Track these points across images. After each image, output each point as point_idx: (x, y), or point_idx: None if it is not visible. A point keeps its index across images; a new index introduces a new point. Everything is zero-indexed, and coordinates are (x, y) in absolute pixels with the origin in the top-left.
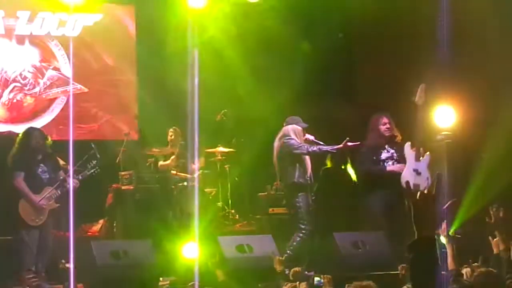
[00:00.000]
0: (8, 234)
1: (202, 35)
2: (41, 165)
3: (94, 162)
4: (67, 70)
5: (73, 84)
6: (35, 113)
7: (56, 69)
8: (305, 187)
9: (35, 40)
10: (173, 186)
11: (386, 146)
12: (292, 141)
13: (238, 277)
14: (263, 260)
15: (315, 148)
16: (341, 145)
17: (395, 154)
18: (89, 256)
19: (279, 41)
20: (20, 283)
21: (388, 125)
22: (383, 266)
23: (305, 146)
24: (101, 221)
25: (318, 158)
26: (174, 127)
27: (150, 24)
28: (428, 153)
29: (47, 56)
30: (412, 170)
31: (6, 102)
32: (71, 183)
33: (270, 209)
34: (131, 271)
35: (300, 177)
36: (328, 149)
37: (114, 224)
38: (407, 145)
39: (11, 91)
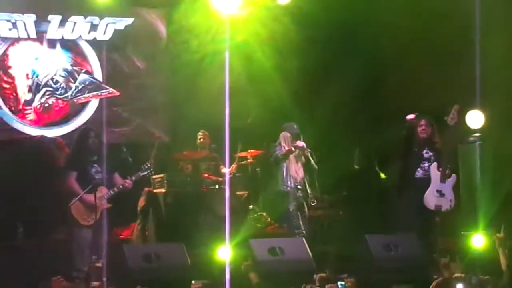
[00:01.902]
0: (60, 234)
1: (233, 38)
2: (95, 165)
3: (149, 164)
4: (99, 74)
5: (105, 88)
6: (67, 117)
7: (88, 73)
8: (289, 195)
9: (66, 44)
10: (204, 189)
11: (426, 148)
12: (277, 149)
13: (270, 280)
14: (295, 263)
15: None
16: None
17: (432, 157)
18: (121, 260)
19: (309, 44)
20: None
21: (424, 127)
22: (415, 269)
23: (275, 154)
24: (133, 225)
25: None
26: (203, 131)
27: (181, 27)
28: (454, 174)
29: (79, 60)
30: (436, 191)
31: (38, 106)
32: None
33: None
34: (163, 274)
35: (282, 185)
36: (279, 155)
37: (146, 227)
38: (434, 166)
39: (42, 96)
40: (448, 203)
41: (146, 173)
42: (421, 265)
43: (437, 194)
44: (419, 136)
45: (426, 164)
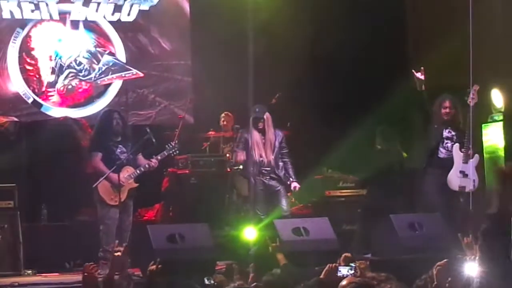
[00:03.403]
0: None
1: (258, 17)
2: (120, 146)
3: (174, 143)
4: (122, 55)
5: (129, 69)
6: (90, 99)
7: (111, 54)
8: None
9: (90, 25)
10: (228, 170)
11: (449, 128)
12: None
13: (294, 260)
14: (319, 243)
15: None
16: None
17: (455, 137)
18: (146, 241)
19: (334, 25)
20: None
21: (448, 110)
22: (439, 248)
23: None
24: (157, 206)
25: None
26: (226, 112)
27: (206, 7)
28: (476, 155)
29: (102, 42)
30: (459, 172)
31: (61, 88)
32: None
33: (327, 192)
34: (187, 255)
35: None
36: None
37: (170, 208)
38: (456, 146)
39: (66, 77)
40: (472, 183)
41: (171, 152)
42: (445, 245)
43: (460, 175)
44: (441, 115)
45: (449, 144)
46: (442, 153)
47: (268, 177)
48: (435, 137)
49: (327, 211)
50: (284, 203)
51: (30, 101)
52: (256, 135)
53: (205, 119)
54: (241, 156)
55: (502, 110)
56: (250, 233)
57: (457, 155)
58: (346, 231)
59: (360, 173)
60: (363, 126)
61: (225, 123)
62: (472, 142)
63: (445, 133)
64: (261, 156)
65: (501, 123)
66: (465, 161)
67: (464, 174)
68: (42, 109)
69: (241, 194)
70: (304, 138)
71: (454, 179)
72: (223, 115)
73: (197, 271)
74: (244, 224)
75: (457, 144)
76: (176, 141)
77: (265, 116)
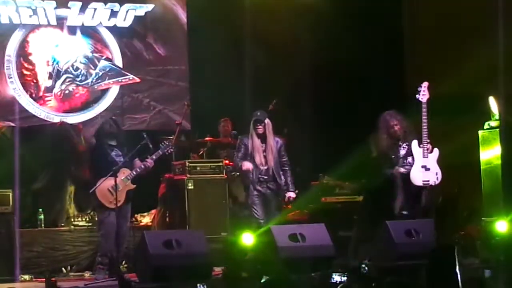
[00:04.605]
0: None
1: (254, 23)
2: (116, 149)
3: (167, 142)
4: (119, 60)
5: (125, 74)
6: (87, 104)
7: (108, 59)
8: (254, 183)
9: (87, 31)
10: (225, 175)
11: (400, 143)
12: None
13: (291, 266)
14: (316, 249)
15: None
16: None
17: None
18: (142, 246)
19: (331, 32)
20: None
21: (398, 126)
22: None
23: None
24: (153, 211)
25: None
26: (225, 118)
27: (202, 13)
28: (436, 148)
29: (99, 47)
30: (421, 167)
31: (58, 93)
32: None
33: (323, 198)
34: (183, 261)
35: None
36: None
37: (167, 214)
38: (414, 143)
39: (63, 82)
40: (435, 176)
41: (165, 150)
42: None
43: (423, 169)
44: (394, 133)
45: (410, 158)
46: (403, 169)
47: (265, 186)
48: (388, 160)
49: (323, 217)
50: (277, 213)
51: (27, 106)
52: (256, 141)
53: (201, 124)
54: (248, 165)
55: (499, 117)
56: (247, 239)
57: (417, 150)
58: (342, 237)
59: (356, 179)
60: (359, 133)
61: (224, 128)
62: (429, 136)
63: (402, 151)
64: (262, 164)
65: (497, 129)
66: (425, 156)
67: (426, 168)
68: (39, 114)
69: (238, 200)
70: (300, 144)
71: (417, 175)
72: (222, 120)
73: (193, 276)
74: (241, 229)
75: (415, 140)
76: (171, 139)
77: (266, 121)
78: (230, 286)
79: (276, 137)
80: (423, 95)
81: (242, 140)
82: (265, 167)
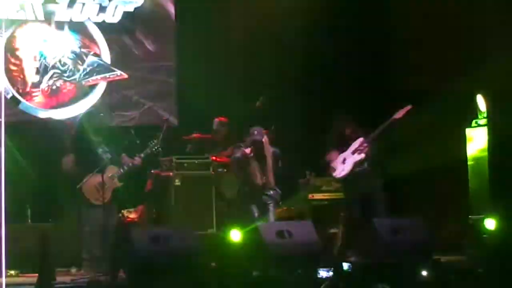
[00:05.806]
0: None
1: (243, 18)
2: (103, 146)
3: (156, 140)
4: (107, 56)
5: (113, 70)
6: (75, 100)
7: (96, 55)
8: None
9: (75, 26)
10: (212, 172)
11: (357, 151)
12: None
13: (278, 262)
14: (303, 246)
15: None
16: None
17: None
18: (129, 242)
19: (321, 28)
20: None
21: (351, 132)
22: (422, 252)
23: None
24: (140, 207)
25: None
26: (218, 116)
27: (191, 9)
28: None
29: (87, 42)
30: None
31: (46, 89)
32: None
33: (310, 195)
34: (171, 257)
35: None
36: None
37: (154, 210)
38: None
39: (50, 78)
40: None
41: (154, 149)
42: (427, 248)
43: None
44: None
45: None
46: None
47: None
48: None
49: (311, 214)
50: (271, 217)
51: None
52: (256, 165)
53: (189, 120)
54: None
55: (486, 114)
56: (235, 235)
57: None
58: (329, 234)
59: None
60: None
61: (220, 127)
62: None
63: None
64: (263, 185)
65: (485, 127)
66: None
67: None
68: (26, 109)
69: (225, 197)
70: (288, 141)
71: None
72: (217, 120)
73: (180, 272)
74: (229, 226)
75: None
76: (159, 137)
77: (263, 140)
78: (218, 283)
79: (274, 149)
80: (399, 113)
81: (235, 153)
82: (268, 185)
